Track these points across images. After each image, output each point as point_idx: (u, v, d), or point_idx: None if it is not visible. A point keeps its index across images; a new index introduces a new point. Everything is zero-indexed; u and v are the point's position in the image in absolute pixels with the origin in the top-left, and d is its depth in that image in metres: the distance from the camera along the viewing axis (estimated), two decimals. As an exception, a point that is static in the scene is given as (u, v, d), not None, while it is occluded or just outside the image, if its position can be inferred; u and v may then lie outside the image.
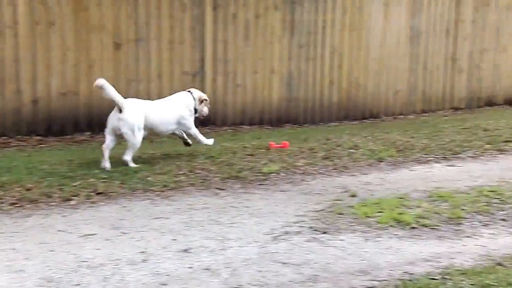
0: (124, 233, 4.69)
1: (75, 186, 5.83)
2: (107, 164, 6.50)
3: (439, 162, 7.24)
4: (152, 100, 7.40)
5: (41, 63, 8.37)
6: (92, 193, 5.66)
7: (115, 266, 4.03)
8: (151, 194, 5.75)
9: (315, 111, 10.47)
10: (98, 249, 4.34)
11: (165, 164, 6.75)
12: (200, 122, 9.40)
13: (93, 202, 5.46)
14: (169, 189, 5.91)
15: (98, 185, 5.85)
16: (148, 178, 6.17)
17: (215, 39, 9.50)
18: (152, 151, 7.43)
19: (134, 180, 6.09)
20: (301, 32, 10.13)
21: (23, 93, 8.33)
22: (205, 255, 4.25)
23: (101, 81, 6.55)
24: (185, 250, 4.34)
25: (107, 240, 4.53)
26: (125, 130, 6.53)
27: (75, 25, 8.54)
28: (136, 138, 6.60)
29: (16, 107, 8.32)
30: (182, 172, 6.45)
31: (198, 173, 6.49)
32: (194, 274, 3.94)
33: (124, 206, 5.38)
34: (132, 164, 6.60)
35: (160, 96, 8.35)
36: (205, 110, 7.28)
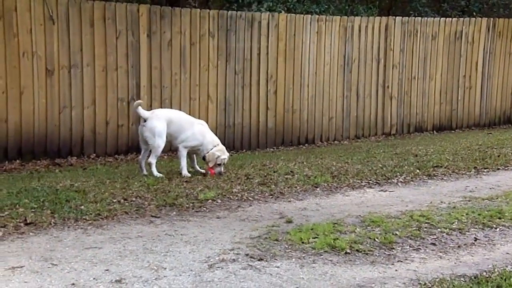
0: (54, 264, 4.54)
1: (2, 216, 5.61)
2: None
3: (372, 187, 7.40)
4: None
5: (-32, 89, 8.14)
6: (21, 224, 5.46)
7: (44, 300, 3.89)
8: (83, 224, 5.60)
9: (251, 137, 10.54)
10: (26, 282, 4.18)
11: (98, 192, 6.61)
12: (136, 148, 9.35)
13: (21, 233, 5.26)
14: (102, 218, 5.77)
15: (28, 215, 5.65)
16: (81, 207, 6.01)
17: (151, 66, 9.47)
18: (86, 179, 7.27)
19: (65, 209, 5.92)
20: (236, 59, 10.23)
21: (-51, 120, 8.06)
22: (139, 286, 4.16)
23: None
24: (118, 281, 4.23)
25: (36, 272, 4.37)
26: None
27: (5, 51, 8.34)
28: None
29: None
30: (116, 200, 6.33)
31: (133, 200, 6.38)
32: (127, 306, 3.85)
33: (54, 237, 5.22)
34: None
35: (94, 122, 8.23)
36: None
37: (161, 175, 7.49)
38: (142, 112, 7.66)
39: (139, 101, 7.91)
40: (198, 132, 7.74)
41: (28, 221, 5.52)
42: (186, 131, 7.68)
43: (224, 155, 7.70)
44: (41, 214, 5.72)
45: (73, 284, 4.17)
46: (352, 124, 11.75)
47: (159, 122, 7.56)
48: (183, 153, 7.68)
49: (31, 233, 5.27)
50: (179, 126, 7.68)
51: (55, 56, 8.72)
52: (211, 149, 7.64)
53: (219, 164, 7.66)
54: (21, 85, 8.51)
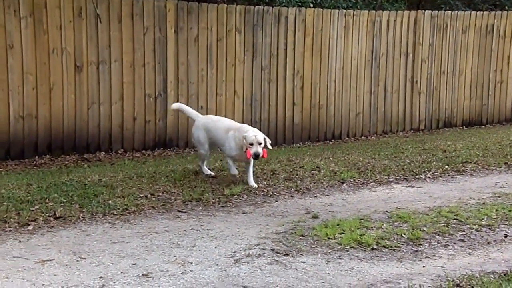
0: (83, 258, 4.61)
1: (33, 210, 5.71)
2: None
3: (399, 183, 7.33)
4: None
5: (-1, 86, 8.28)
6: (50, 218, 5.55)
7: (73, 293, 3.95)
8: (111, 218, 5.67)
9: (277, 133, 10.52)
10: (55, 275, 4.25)
11: (126, 187, 6.67)
12: (162, 144, 9.42)
13: (51, 227, 5.35)
14: (129, 213, 5.84)
15: (57, 209, 5.74)
16: (109, 202, 6.08)
17: (178, 62, 9.51)
18: (113, 174, 7.35)
19: (93, 203, 6.00)
20: (263, 54, 10.22)
21: (-19, 116, 8.21)
22: (165, 280, 4.20)
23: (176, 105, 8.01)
24: (145, 275, 4.28)
25: (65, 265, 4.44)
26: None
27: (35, 48, 8.46)
28: None
29: (-27, 130, 8.17)
30: (143, 195, 6.39)
31: (160, 195, 6.43)
32: (153, 300, 3.88)
33: (83, 231, 5.29)
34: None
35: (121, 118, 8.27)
36: None
37: (210, 173, 7.40)
38: (193, 113, 7.72)
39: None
40: (232, 138, 7.16)
41: (57, 215, 5.61)
42: (223, 142, 7.19)
43: (254, 133, 6.90)
44: (70, 209, 5.80)
45: (101, 277, 4.22)
46: (380, 119, 11.65)
47: (196, 130, 7.42)
48: (230, 162, 7.19)
49: (60, 227, 5.36)
50: (215, 135, 7.31)
51: (84, 52, 8.81)
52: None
53: (251, 144, 6.82)
54: (51, 81, 8.63)
